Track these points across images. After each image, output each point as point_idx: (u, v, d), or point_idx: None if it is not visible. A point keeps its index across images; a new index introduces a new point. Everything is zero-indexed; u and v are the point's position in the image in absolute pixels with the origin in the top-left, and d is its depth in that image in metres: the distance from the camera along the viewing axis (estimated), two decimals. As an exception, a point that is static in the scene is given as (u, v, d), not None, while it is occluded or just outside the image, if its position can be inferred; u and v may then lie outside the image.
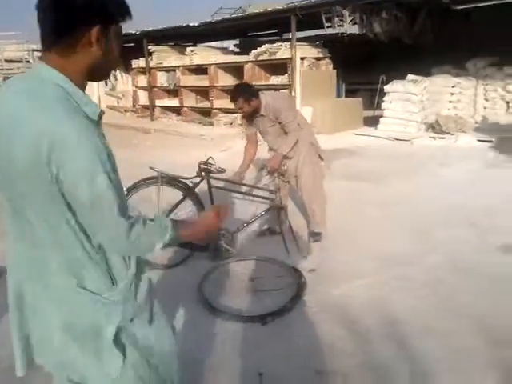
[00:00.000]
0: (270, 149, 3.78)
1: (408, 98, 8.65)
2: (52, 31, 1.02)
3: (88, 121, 1.02)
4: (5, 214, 1.15)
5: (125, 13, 1.09)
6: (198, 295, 2.91)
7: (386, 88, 8.99)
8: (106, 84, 16.12)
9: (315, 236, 3.75)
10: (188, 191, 3.42)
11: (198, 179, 3.43)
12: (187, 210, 3.56)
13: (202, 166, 3.40)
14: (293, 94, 9.52)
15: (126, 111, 14.97)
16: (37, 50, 14.96)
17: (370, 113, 11.05)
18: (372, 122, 9.90)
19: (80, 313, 1.15)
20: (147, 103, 13.70)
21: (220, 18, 11.54)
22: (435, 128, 8.51)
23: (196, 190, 3.45)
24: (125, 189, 3.32)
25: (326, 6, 8.43)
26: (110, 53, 1.10)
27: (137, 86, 14.29)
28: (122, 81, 15.85)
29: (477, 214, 4.30)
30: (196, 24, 10.92)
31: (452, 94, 9.29)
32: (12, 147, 0.98)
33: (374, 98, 11.52)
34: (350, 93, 13.33)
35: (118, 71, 16.09)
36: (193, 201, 3.47)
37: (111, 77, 16.17)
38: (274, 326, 2.62)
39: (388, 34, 9.12)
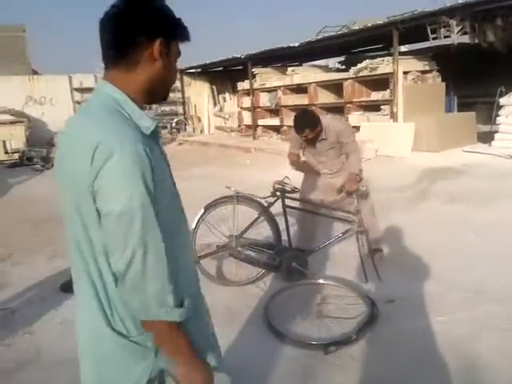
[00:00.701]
0: (321, 171, 3.76)
1: (528, 111, 7.66)
2: (115, 46, 1.02)
3: (139, 134, 0.97)
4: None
5: (185, 32, 1.08)
6: (263, 316, 2.88)
7: (502, 101, 8.09)
8: (215, 105, 17.20)
9: (379, 253, 3.64)
10: (263, 210, 3.45)
11: (272, 199, 3.44)
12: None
13: (277, 185, 3.40)
14: (394, 109, 9.08)
15: (231, 131, 15.72)
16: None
17: (487, 128, 10.03)
18: (488, 138, 8.96)
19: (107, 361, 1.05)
20: (251, 123, 14.23)
21: (320, 37, 11.55)
22: None
23: (271, 209, 3.46)
24: (202, 207, 3.52)
25: (430, 17, 7.93)
26: (171, 69, 1.08)
27: (242, 107, 14.93)
28: (229, 102, 16.74)
29: None
30: (296, 44, 11.10)
31: None
32: (72, 164, 0.97)
33: (491, 112, 10.45)
34: (466, 107, 12.24)
35: (226, 93, 17.11)
36: (267, 220, 3.49)
37: (220, 99, 17.23)
38: (337, 356, 2.48)
39: (505, 42, 8.22)
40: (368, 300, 2.96)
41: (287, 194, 3.41)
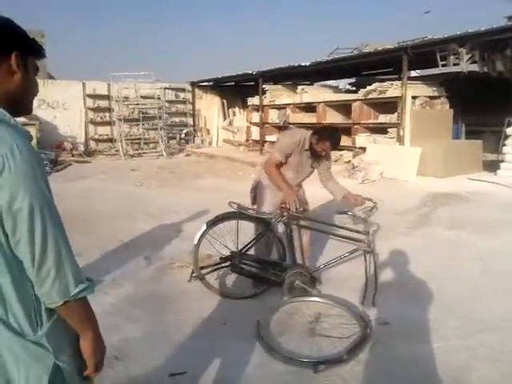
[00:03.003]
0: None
1: (535, 142, 7.68)
2: None
3: (27, 138, 1.04)
4: None
5: (40, 49, 1.13)
6: (256, 330, 2.88)
7: (509, 131, 8.12)
8: (225, 119, 17.38)
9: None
10: (267, 227, 3.46)
11: (278, 216, 3.45)
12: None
13: (283, 204, 3.42)
14: (401, 133, 9.14)
15: (239, 145, 15.84)
16: (168, 88, 16.83)
17: (494, 157, 10.05)
18: (494, 167, 8.97)
19: None
20: (258, 138, 14.35)
21: (330, 58, 11.71)
22: None
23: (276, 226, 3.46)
24: (204, 224, 3.53)
25: (440, 43, 8.03)
26: (31, 82, 1.11)
27: (250, 122, 15.08)
28: (239, 117, 16.92)
29: None
30: (307, 64, 11.25)
31: None
32: None
33: (499, 141, 10.46)
34: (473, 134, 12.26)
35: (236, 108, 17.32)
36: (272, 237, 3.50)
37: (230, 113, 17.43)
38: (326, 375, 2.47)
39: (514, 72, 8.29)
40: (362, 321, 2.95)
41: (292, 213, 3.40)
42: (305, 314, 3.12)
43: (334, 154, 11.26)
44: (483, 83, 10.91)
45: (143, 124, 15.63)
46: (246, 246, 3.47)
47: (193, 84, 17.26)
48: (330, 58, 11.71)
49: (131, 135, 15.72)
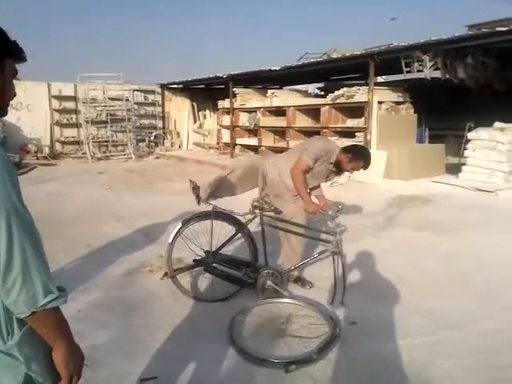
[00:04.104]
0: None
1: (494, 146, 8.04)
2: None
3: None
4: None
5: (20, 51, 1.11)
6: (227, 332, 2.90)
7: (470, 135, 8.48)
8: (195, 122, 17.29)
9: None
10: (240, 227, 3.49)
11: (251, 216, 3.48)
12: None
13: (255, 203, 3.45)
14: (368, 137, 9.37)
15: (210, 148, 15.80)
16: (138, 90, 16.59)
17: (456, 160, 10.44)
18: (456, 169, 9.32)
19: None
20: (229, 141, 14.36)
21: (300, 63, 11.89)
22: (525, 180, 7.75)
23: (249, 226, 3.50)
24: (180, 222, 3.54)
25: (405, 51, 8.31)
26: (7, 85, 1.09)
27: (221, 125, 15.07)
28: (209, 120, 16.88)
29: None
30: (277, 68, 11.37)
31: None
32: None
33: (460, 145, 10.89)
34: (436, 138, 12.72)
35: (206, 111, 17.27)
36: (245, 237, 3.54)
37: (200, 115, 17.36)
38: (296, 374, 2.51)
39: (474, 79, 8.66)
40: (331, 321, 3.02)
41: (265, 212, 3.45)
42: (275, 316, 3.17)
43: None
44: (446, 89, 11.35)
45: (111, 126, 15.35)
46: (221, 246, 3.50)
47: (162, 86, 17.11)
48: (299, 63, 11.88)
49: (99, 137, 15.39)
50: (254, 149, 13.60)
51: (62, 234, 5.25)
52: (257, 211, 3.41)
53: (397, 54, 8.56)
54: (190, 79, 15.58)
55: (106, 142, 15.52)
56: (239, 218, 3.51)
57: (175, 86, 17.10)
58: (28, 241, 1.00)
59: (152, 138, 16.92)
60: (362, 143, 9.70)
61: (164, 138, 17.10)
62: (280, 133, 12.63)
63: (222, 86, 15.49)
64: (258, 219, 3.42)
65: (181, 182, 9.59)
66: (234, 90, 13.66)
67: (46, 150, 14.54)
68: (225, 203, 3.66)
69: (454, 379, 2.49)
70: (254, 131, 13.58)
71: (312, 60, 12.27)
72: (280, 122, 12.25)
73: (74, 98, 15.34)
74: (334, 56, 12.05)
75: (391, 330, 3.03)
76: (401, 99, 10.17)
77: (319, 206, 3.54)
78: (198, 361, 2.65)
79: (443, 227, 5.59)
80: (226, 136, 14.83)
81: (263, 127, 12.85)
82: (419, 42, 8.26)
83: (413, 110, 10.32)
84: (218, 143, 15.40)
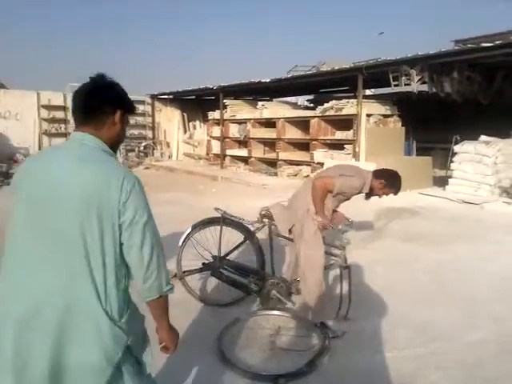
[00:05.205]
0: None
1: (480, 159, 8.20)
2: (89, 111, 1.43)
3: None
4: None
5: (133, 108, 1.56)
6: (217, 344, 2.89)
7: (456, 148, 8.64)
8: (185, 132, 17.32)
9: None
10: (248, 235, 3.51)
11: (259, 224, 3.50)
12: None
13: (264, 212, 3.47)
14: (357, 149, 9.49)
15: (200, 158, 15.82)
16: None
17: (443, 173, 10.61)
18: (443, 182, 9.47)
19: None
20: (219, 152, 14.40)
21: (290, 76, 12.03)
22: (510, 193, 7.90)
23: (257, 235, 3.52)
24: (190, 226, 3.59)
25: (392, 65, 8.47)
26: (124, 131, 1.54)
27: (211, 136, 15.11)
28: (199, 130, 16.92)
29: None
30: (267, 80, 11.49)
31: (532, 157, 8.63)
32: (68, 191, 1.31)
33: (447, 158, 11.07)
34: (424, 151, 12.91)
35: (197, 121, 17.32)
36: (252, 245, 3.54)
37: (191, 126, 17.40)
38: (286, 388, 2.51)
39: (460, 94, 8.85)
40: (320, 333, 3.03)
41: (274, 222, 3.43)
42: (265, 328, 3.17)
43: (293, 169, 11.50)
44: (433, 103, 11.57)
45: (101, 136, 15.27)
46: (228, 252, 3.53)
47: (152, 97, 17.14)
48: (289, 76, 12.02)
49: (88, 147, 15.30)
50: (244, 160, 13.67)
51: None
52: (265, 220, 3.44)
53: (385, 68, 8.73)
54: (180, 90, 15.63)
55: (95, 151, 15.42)
56: (248, 225, 3.53)
57: (165, 96, 17.15)
58: (158, 243, 1.41)
59: (142, 148, 16.90)
60: (350, 155, 9.82)
61: (154, 149, 17.08)
62: (270, 144, 12.73)
63: (213, 97, 15.58)
64: (266, 228, 3.45)
65: (171, 192, 9.58)
66: (225, 101, 13.74)
67: (34, 160, 14.41)
68: (234, 211, 3.68)
69: (441, 391, 2.52)
70: (244, 142, 13.65)
71: (302, 73, 12.44)
72: (270, 134, 12.35)
73: (64, 108, 15.28)
74: (324, 69, 12.24)
75: (379, 342, 3.05)
76: (389, 112, 10.34)
77: (331, 221, 3.44)
78: (186, 373, 2.63)
79: (431, 239, 5.66)
80: (215, 147, 14.88)
81: (253, 138, 12.93)
82: (407, 56, 8.44)
83: (401, 123, 10.49)
84: (207, 154, 15.43)
